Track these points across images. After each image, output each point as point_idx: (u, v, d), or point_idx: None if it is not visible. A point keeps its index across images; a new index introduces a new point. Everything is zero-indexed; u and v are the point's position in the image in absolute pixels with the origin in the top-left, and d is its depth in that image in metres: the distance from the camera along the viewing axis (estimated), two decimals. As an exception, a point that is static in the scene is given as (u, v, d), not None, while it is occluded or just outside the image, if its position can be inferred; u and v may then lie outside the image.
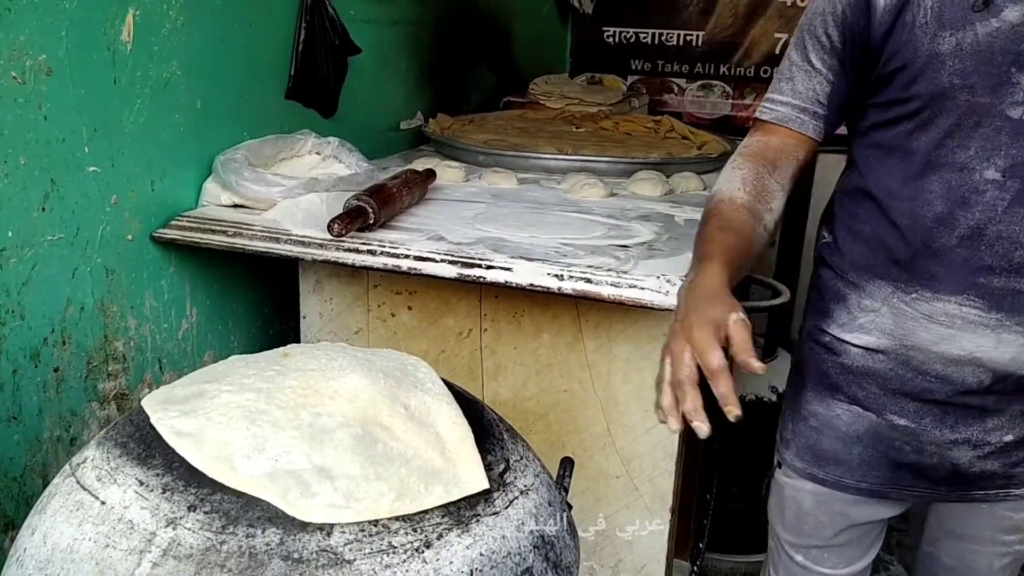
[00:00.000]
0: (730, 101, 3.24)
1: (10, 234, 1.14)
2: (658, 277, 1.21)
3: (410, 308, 1.47)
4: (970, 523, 1.29)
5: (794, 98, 1.16)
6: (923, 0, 1.03)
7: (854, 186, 1.18)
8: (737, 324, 0.91)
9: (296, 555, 0.70)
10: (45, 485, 1.21)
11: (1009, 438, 1.17)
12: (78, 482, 0.79)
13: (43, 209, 1.19)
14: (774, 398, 2.06)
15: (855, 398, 1.21)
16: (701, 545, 1.90)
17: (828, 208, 1.27)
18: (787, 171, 1.18)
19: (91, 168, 1.25)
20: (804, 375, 1.27)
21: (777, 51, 3.08)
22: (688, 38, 3.22)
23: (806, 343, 1.27)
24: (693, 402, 0.88)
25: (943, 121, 1.06)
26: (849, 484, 1.24)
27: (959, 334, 1.11)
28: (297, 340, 1.54)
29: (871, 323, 1.17)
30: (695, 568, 1.84)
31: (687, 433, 1.44)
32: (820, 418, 1.24)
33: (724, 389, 0.88)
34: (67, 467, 0.83)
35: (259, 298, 1.67)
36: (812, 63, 1.14)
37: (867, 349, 1.18)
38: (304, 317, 1.53)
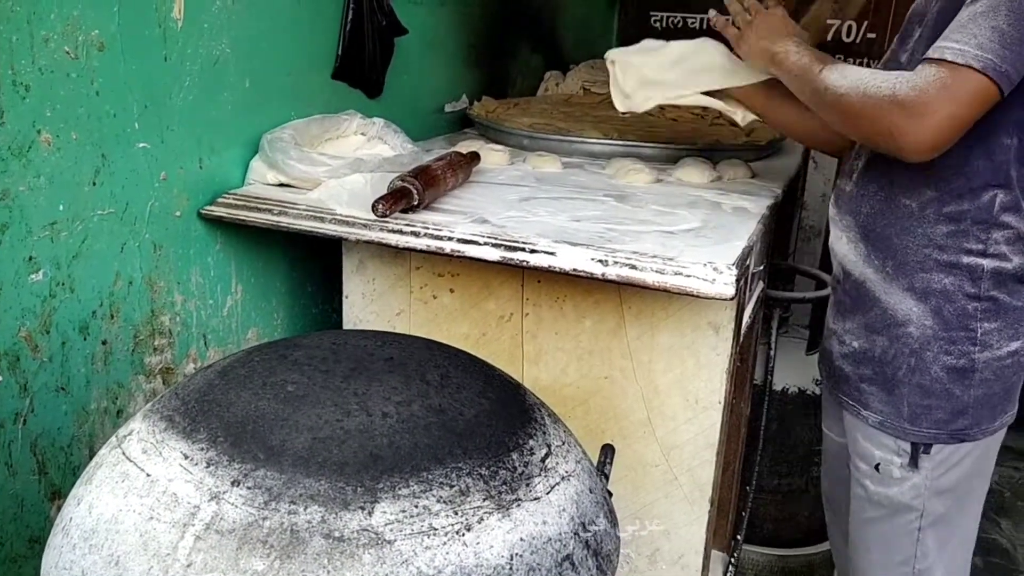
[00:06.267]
0: (779, 88, 3.18)
1: (61, 208, 1.16)
2: (704, 264, 1.19)
3: (452, 291, 1.47)
4: (848, 437, 1.43)
5: None
6: None
7: None
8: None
9: (337, 534, 0.70)
10: (91, 455, 1.24)
11: (856, 345, 1.36)
12: (124, 454, 0.79)
13: (94, 184, 1.20)
14: (817, 391, 2.02)
15: None
16: (739, 537, 1.88)
17: None
18: None
19: (141, 144, 1.26)
20: None
21: (829, 37, 3.01)
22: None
23: None
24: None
25: None
26: None
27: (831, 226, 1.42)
28: (340, 319, 1.55)
29: None
30: (732, 560, 1.83)
31: (729, 424, 1.43)
32: None
33: None
34: (113, 439, 0.84)
35: (303, 277, 1.68)
36: None
37: None
38: (347, 297, 1.53)
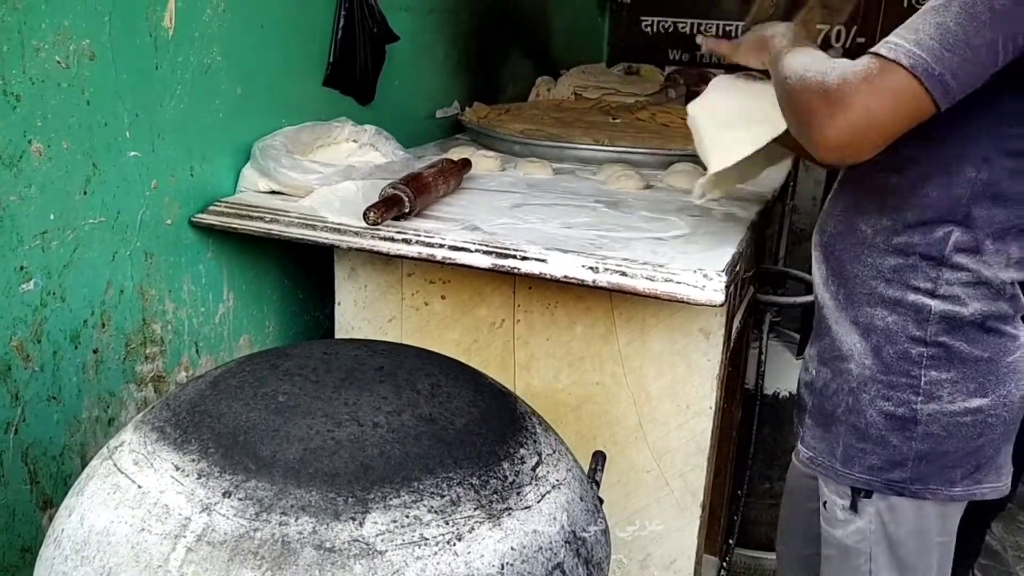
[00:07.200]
0: (769, 92, 3.20)
1: (52, 217, 1.16)
2: (695, 271, 1.20)
3: (443, 297, 1.47)
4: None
5: None
6: None
7: None
8: None
9: (328, 544, 0.71)
10: (83, 464, 1.24)
11: (812, 373, 1.27)
12: (115, 465, 0.80)
13: (84, 193, 1.20)
14: (808, 395, 2.03)
15: None
16: (731, 541, 1.89)
17: None
18: None
19: (132, 153, 1.26)
20: None
21: (818, 42, 3.03)
22: (727, 28, 3.19)
23: None
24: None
25: None
26: None
27: None
28: (331, 327, 1.55)
29: None
30: (724, 564, 1.83)
31: (720, 429, 1.44)
32: None
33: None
34: (105, 450, 0.84)
35: (294, 284, 1.68)
36: None
37: None
38: (339, 304, 1.53)
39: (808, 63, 1.05)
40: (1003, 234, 1.08)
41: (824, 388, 1.23)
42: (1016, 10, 0.92)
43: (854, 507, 1.20)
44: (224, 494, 0.74)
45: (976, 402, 1.12)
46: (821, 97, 0.99)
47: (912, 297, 1.12)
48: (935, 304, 1.11)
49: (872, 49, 0.98)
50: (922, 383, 1.13)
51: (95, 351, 1.25)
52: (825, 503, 1.25)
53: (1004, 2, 0.91)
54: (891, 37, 0.97)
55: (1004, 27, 0.92)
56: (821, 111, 0.98)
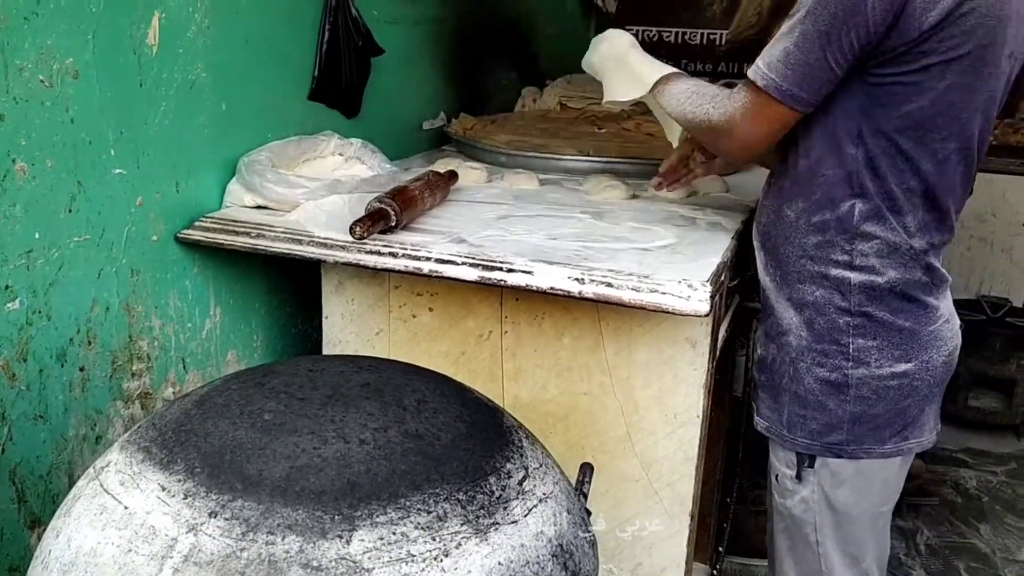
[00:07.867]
0: (754, 100, 3.22)
1: (37, 235, 1.16)
2: (679, 281, 1.21)
3: (431, 309, 1.48)
4: None
5: None
6: None
7: None
8: None
9: (315, 563, 0.71)
10: (71, 483, 1.24)
11: (759, 352, 1.39)
12: (102, 486, 0.80)
13: (69, 211, 1.20)
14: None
15: None
16: (721, 548, 1.89)
17: None
18: None
19: (117, 170, 1.26)
20: None
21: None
22: (711, 37, 3.21)
23: None
24: None
25: None
26: None
27: None
28: (319, 340, 1.55)
29: None
30: (714, 571, 1.84)
31: (708, 437, 1.44)
32: None
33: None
34: (91, 470, 0.84)
35: (281, 298, 1.68)
36: None
37: None
38: (326, 317, 1.54)
39: (683, 101, 1.34)
40: (894, 205, 1.21)
41: (772, 362, 1.34)
42: (833, 32, 1.11)
43: (799, 476, 1.31)
44: (210, 514, 0.74)
45: (901, 367, 1.24)
46: (714, 133, 1.29)
47: (834, 271, 1.24)
48: (853, 276, 1.23)
49: (748, 71, 1.21)
50: (851, 350, 1.25)
51: (81, 369, 1.25)
52: (777, 476, 1.36)
53: (824, 27, 1.12)
54: (757, 59, 1.20)
55: (828, 46, 1.12)
56: (718, 141, 1.30)
